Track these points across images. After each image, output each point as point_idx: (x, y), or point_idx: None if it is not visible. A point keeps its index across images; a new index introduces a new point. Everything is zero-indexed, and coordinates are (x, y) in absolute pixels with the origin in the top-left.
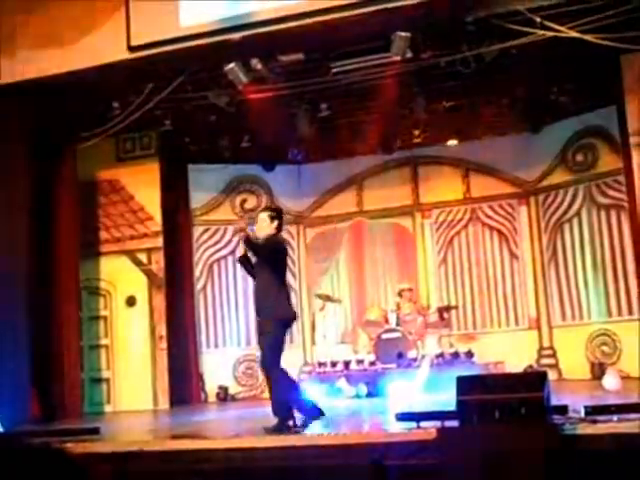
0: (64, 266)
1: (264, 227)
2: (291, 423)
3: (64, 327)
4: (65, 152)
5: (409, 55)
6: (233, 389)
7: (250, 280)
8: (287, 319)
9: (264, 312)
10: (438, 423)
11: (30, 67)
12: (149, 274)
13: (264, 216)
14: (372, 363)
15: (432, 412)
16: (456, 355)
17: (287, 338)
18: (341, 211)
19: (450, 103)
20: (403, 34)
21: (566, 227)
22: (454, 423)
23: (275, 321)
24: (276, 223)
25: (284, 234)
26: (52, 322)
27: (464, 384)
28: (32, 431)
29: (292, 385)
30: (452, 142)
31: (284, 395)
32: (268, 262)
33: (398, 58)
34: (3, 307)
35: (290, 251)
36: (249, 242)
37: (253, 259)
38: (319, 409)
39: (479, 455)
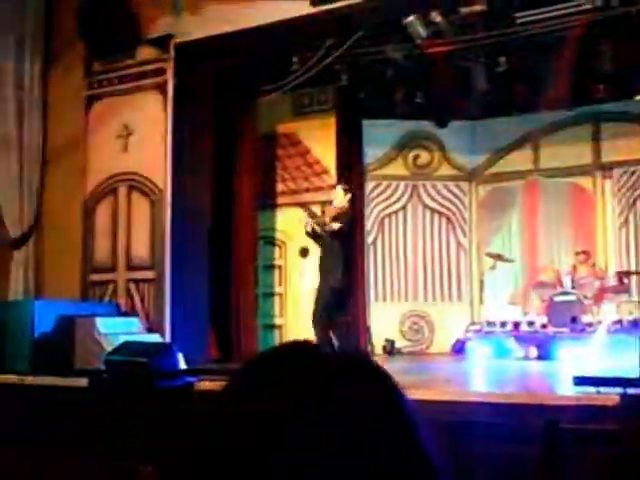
0: (243, 216)
1: (339, 199)
2: None
3: (242, 274)
4: (247, 106)
5: (599, 3)
6: (399, 343)
7: (421, 236)
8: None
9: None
10: (618, 390)
11: (215, 24)
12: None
13: (340, 189)
14: (543, 326)
15: (613, 378)
16: (635, 323)
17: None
18: (516, 169)
19: None
20: None
21: None
22: (637, 391)
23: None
24: (349, 196)
25: None
26: (231, 269)
27: None
28: (211, 369)
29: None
30: None
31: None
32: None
33: (588, 7)
34: (187, 253)
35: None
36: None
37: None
38: None
39: None
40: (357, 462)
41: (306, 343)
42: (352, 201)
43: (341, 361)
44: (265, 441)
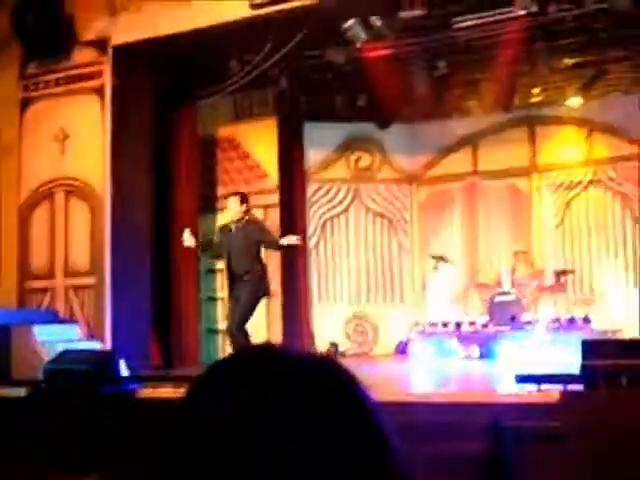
0: (184, 220)
1: (234, 210)
2: None
3: (183, 279)
4: (186, 109)
5: (534, 9)
6: (343, 345)
7: (363, 238)
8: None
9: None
10: (559, 387)
11: (153, 25)
12: None
13: (234, 200)
14: (484, 325)
15: (554, 375)
16: (572, 321)
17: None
18: (455, 171)
19: (575, 60)
20: None
21: None
22: (577, 387)
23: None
24: (245, 206)
25: None
26: (172, 274)
27: (589, 348)
28: (154, 376)
29: None
30: (574, 100)
31: None
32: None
33: (523, 13)
34: (127, 259)
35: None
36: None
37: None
38: None
39: (606, 421)
40: (332, 452)
41: (270, 345)
42: (248, 211)
43: (309, 359)
44: (242, 435)
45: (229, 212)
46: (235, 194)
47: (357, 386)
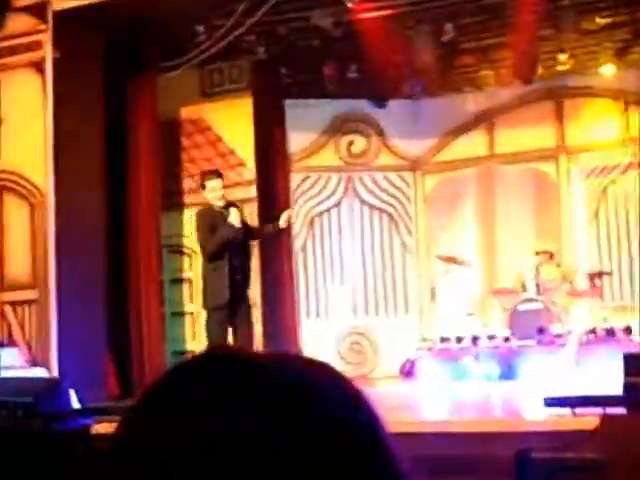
0: (142, 220)
1: (219, 192)
2: None
3: (144, 291)
4: (144, 86)
5: None
6: (338, 367)
7: (359, 237)
8: None
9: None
10: (598, 410)
11: None
12: None
13: (218, 180)
14: (506, 339)
15: (590, 397)
16: (611, 332)
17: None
18: (467, 155)
19: (607, 19)
20: None
21: None
22: (619, 410)
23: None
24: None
25: None
26: (130, 285)
27: (632, 364)
28: (110, 408)
29: None
30: (608, 68)
31: None
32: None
33: None
34: (76, 268)
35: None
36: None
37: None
38: None
39: None
40: None
41: (228, 349)
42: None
43: (292, 363)
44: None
45: (213, 196)
46: (215, 173)
47: (367, 401)
